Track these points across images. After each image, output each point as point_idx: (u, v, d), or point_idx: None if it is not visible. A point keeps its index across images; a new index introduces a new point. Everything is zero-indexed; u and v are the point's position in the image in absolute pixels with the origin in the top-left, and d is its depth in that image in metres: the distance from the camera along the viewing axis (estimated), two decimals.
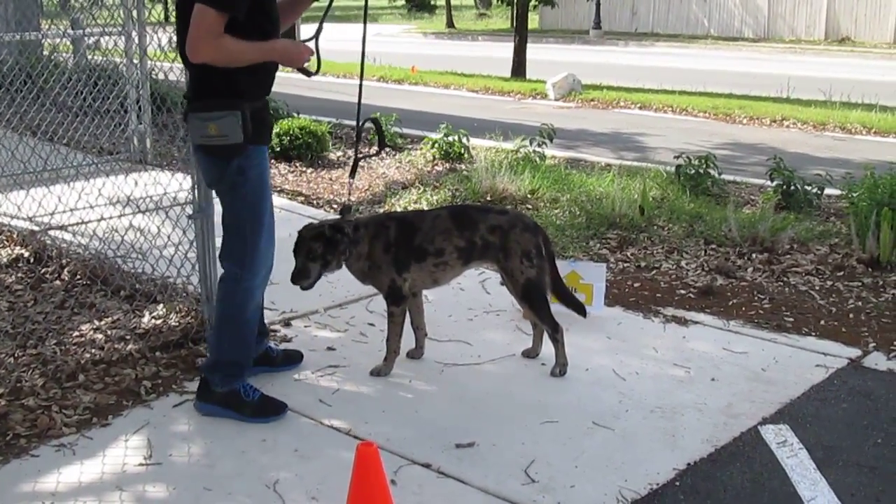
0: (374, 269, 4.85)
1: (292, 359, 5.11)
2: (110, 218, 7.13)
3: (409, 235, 4.87)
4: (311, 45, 4.40)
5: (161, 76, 5.68)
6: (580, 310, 5.23)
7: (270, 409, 4.53)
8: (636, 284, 6.57)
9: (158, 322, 5.47)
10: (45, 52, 10.90)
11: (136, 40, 8.82)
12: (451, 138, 10.79)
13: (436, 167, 10.55)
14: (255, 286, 4.48)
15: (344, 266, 4.84)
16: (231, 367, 4.50)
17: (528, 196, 8.80)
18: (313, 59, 4.47)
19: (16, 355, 5.04)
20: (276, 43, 4.27)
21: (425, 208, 7.79)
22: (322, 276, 4.80)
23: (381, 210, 8.52)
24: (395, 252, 4.84)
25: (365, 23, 4.86)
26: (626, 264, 7.05)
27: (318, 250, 4.68)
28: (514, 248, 4.91)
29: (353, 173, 5.00)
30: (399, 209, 8.37)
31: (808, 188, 8.71)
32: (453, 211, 5.18)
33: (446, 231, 4.90)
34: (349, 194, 5.01)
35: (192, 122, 4.28)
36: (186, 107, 4.37)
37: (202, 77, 4.24)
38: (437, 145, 10.83)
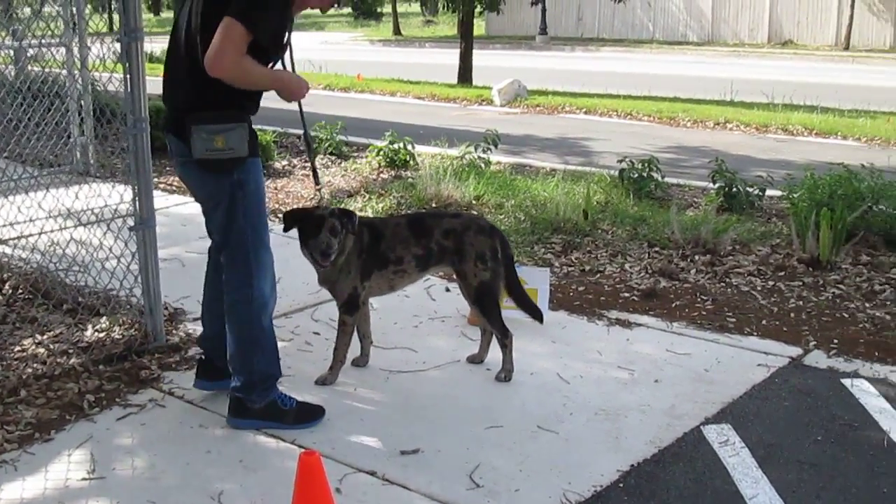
0: (343, 272, 4.83)
1: None
2: (52, 231, 7.04)
3: (376, 242, 4.89)
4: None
5: (101, 88, 5.62)
6: (537, 315, 5.26)
7: (310, 415, 4.52)
8: (580, 288, 6.62)
9: (101, 335, 5.42)
10: None
11: (76, 51, 8.74)
12: (396, 146, 10.80)
13: (381, 175, 10.53)
14: (266, 298, 4.41)
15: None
16: (266, 380, 4.48)
17: (473, 202, 8.82)
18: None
19: None
20: (284, 73, 4.27)
21: (371, 215, 7.79)
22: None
23: None
24: (364, 258, 4.85)
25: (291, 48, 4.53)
26: (570, 268, 7.09)
27: (338, 227, 4.61)
28: (469, 251, 4.94)
29: (316, 180, 4.98)
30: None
31: (750, 190, 8.83)
32: (411, 219, 5.22)
33: (405, 240, 4.93)
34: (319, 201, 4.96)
35: (198, 134, 4.10)
36: (186, 120, 4.13)
37: (207, 89, 4.05)
38: (382, 153, 10.83)
